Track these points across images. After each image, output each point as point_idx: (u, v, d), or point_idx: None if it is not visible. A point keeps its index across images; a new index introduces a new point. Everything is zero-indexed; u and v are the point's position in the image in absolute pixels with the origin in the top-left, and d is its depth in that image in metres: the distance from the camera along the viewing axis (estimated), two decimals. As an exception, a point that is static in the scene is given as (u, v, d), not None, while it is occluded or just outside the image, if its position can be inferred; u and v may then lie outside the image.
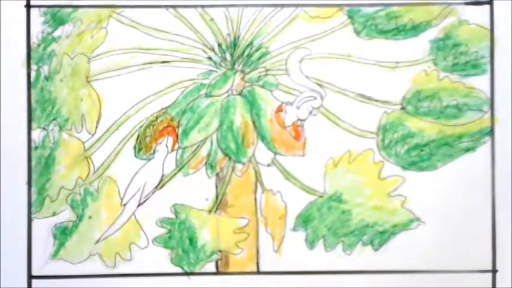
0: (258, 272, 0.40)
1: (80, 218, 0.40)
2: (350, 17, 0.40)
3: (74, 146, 0.40)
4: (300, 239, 0.40)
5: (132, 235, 0.40)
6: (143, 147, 0.40)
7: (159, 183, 0.40)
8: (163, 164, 0.40)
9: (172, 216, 0.40)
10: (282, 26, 0.40)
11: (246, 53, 0.40)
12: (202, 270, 0.40)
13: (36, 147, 0.40)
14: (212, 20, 0.40)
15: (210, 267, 0.40)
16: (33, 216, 0.40)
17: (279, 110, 0.40)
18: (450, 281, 0.40)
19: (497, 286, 0.40)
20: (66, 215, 0.40)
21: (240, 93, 0.40)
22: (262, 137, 0.40)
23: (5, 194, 0.39)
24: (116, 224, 0.40)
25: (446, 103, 0.40)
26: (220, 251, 0.40)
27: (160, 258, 0.40)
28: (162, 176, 0.40)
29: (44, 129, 0.40)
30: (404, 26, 0.41)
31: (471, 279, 0.40)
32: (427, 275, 0.40)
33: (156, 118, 0.40)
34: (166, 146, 0.40)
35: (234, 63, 0.41)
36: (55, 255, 0.40)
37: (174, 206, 0.40)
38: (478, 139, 0.40)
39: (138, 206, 0.40)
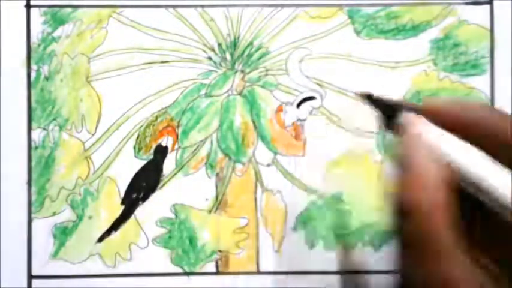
0: (258, 272, 0.40)
1: (80, 218, 0.40)
2: (350, 17, 0.40)
3: (74, 146, 0.40)
4: (300, 239, 0.40)
5: (132, 235, 0.40)
6: (143, 147, 0.40)
7: (159, 183, 0.40)
8: (163, 164, 0.40)
9: (172, 216, 0.40)
10: (282, 26, 0.40)
11: (246, 53, 0.40)
12: (202, 270, 0.40)
13: (36, 147, 0.40)
14: (212, 20, 0.40)
15: (210, 267, 0.40)
16: (33, 216, 0.40)
17: (279, 110, 0.40)
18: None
19: (497, 286, 0.40)
20: (66, 215, 0.40)
21: (240, 93, 0.40)
22: (262, 137, 0.40)
23: (5, 194, 0.39)
24: (115, 224, 0.40)
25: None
26: (220, 251, 0.40)
27: (160, 258, 0.40)
28: (162, 176, 0.40)
29: (44, 129, 0.40)
30: (404, 26, 0.41)
31: (471, 279, 0.40)
32: (427, 275, 0.40)
33: (156, 118, 0.40)
34: (166, 146, 0.40)
35: (234, 63, 0.41)
36: (55, 255, 0.40)
37: (174, 206, 0.40)
38: (478, 139, 0.40)
39: (138, 206, 0.40)
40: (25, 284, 0.39)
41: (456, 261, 0.25)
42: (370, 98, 0.33)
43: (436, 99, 0.29)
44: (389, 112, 0.30)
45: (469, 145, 0.26)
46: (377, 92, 0.40)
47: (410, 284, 0.27)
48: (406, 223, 0.26)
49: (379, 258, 0.40)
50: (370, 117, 0.40)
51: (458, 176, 0.25)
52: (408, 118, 0.28)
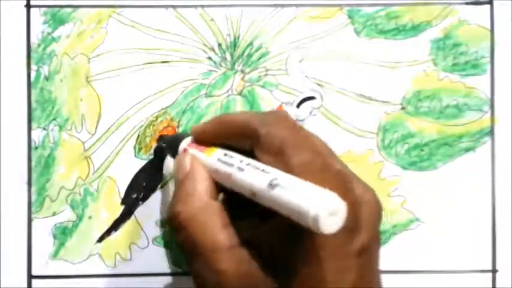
0: (258, 272, 0.40)
1: (80, 218, 0.40)
2: (350, 17, 0.40)
3: (74, 146, 0.40)
4: (300, 239, 0.40)
5: (132, 235, 0.40)
6: (143, 147, 0.40)
7: (159, 183, 0.40)
8: (163, 164, 0.40)
9: (172, 216, 0.40)
10: (282, 26, 0.40)
11: (246, 53, 0.40)
12: (202, 270, 0.40)
13: (36, 147, 0.40)
14: (212, 20, 0.40)
15: (210, 267, 0.40)
16: (33, 216, 0.40)
17: (279, 109, 0.40)
18: (450, 281, 0.40)
19: (497, 286, 0.40)
20: (66, 215, 0.40)
21: (240, 93, 0.40)
22: (262, 137, 0.40)
23: (5, 194, 0.39)
24: (115, 224, 0.40)
25: (446, 103, 0.40)
26: (220, 251, 0.40)
27: (160, 258, 0.40)
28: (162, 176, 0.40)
29: (44, 129, 0.40)
30: (404, 26, 0.41)
31: (471, 279, 0.40)
32: (427, 275, 0.40)
33: (156, 118, 0.40)
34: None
35: (234, 63, 0.41)
36: (55, 255, 0.40)
37: (174, 206, 0.40)
38: (478, 139, 0.40)
39: (138, 206, 0.40)
40: (25, 284, 0.39)
41: (227, 257, 0.27)
42: (160, 139, 0.39)
43: (200, 124, 0.33)
44: (175, 144, 0.34)
45: (231, 152, 0.30)
46: (379, 92, 0.40)
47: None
48: (177, 234, 0.29)
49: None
50: (370, 117, 0.41)
51: (227, 181, 0.29)
52: (182, 145, 0.33)
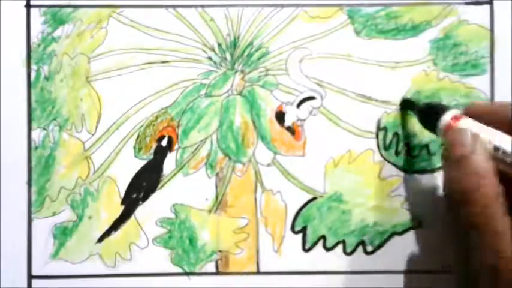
0: (258, 272, 0.40)
1: (80, 218, 0.40)
2: (350, 17, 0.40)
3: (74, 146, 0.40)
4: (300, 239, 0.40)
5: (132, 235, 0.40)
6: (143, 147, 0.40)
7: (159, 183, 0.40)
8: (163, 164, 0.40)
9: (172, 216, 0.40)
10: (282, 26, 0.40)
11: (246, 53, 0.40)
12: (202, 270, 0.40)
13: (36, 147, 0.40)
14: (212, 20, 0.40)
15: (210, 267, 0.40)
16: (33, 216, 0.40)
17: (279, 109, 0.40)
18: (450, 281, 0.40)
19: (497, 286, 0.40)
20: (66, 215, 0.40)
21: (240, 93, 0.40)
22: (262, 137, 0.40)
23: (5, 194, 0.40)
24: (115, 224, 0.40)
25: (446, 103, 0.40)
26: (220, 251, 0.40)
27: (160, 258, 0.40)
28: (162, 176, 0.40)
29: (44, 129, 0.40)
30: (404, 26, 0.41)
31: (471, 279, 0.40)
32: (427, 275, 0.40)
33: (156, 118, 0.40)
34: (166, 146, 0.40)
35: (234, 63, 0.41)
36: (55, 255, 0.40)
37: (174, 206, 0.40)
38: (478, 139, 0.40)
39: (138, 206, 0.40)
40: (25, 284, 0.39)
41: (509, 241, 0.28)
42: (410, 103, 0.39)
43: (476, 102, 0.35)
44: (430, 114, 0.35)
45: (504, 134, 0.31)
46: (379, 92, 0.40)
47: (469, 264, 0.30)
48: (466, 209, 0.30)
49: (379, 258, 0.40)
50: (370, 117, 0.41)
51: (500, 161, 0.30)
52: (451, 116, 0.34)
